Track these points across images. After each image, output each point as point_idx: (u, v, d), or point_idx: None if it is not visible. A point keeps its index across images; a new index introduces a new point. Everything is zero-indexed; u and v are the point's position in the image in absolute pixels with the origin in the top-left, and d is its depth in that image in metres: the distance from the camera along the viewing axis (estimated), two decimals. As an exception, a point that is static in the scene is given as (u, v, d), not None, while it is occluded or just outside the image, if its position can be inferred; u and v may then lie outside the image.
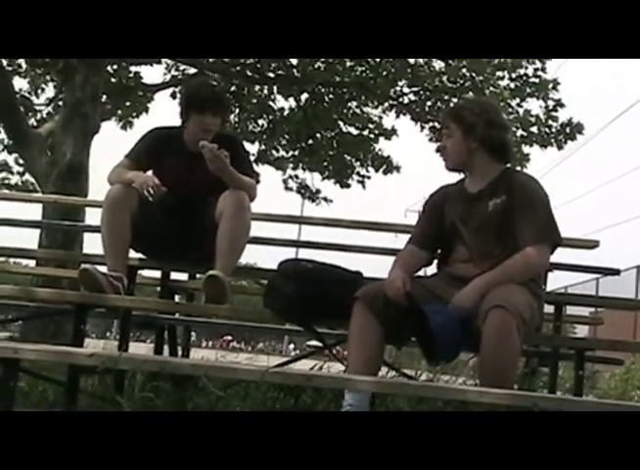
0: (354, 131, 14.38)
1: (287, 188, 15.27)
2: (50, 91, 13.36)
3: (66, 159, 9.74)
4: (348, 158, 14.36)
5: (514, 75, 13.08)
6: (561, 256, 4.21)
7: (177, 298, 5.60)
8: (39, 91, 13.37)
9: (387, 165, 14.26)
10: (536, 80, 13.00)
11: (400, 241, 4.06)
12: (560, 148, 13.23)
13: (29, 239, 9.08)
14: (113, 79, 12.74)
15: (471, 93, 12.55)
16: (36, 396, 4.58)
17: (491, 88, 12.93)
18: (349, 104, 14.13)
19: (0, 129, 12.48)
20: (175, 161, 4.44)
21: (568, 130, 13.03)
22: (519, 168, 10.36)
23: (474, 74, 13.04)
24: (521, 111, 13.17)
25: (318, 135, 14.29)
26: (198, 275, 5.21)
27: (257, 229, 4.60)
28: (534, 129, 13.12)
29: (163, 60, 13.36)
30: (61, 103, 11.55)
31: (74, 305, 4.25)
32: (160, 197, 4.23)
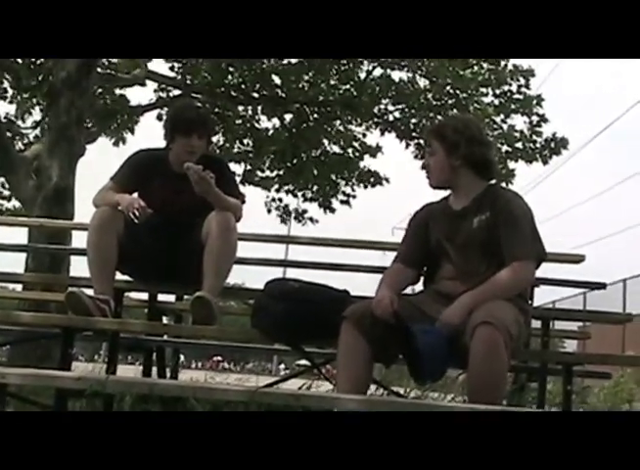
0: (339, 150, 14.41)
1: (269, 211, 15.22)
2: (37, 115, 13.36)
3: (51, 182, 9.71)
4: (333, 177, 14.37)
5: (498, 92, 13.16)
6: (547, 270, 4.24)
7: (165, 319, 5.59)
8: (26, 115, 13.35)
9: (373, 179, 14.27)
10: (520, 97, 13.08)
11: (388, 259, 4.06)
12: (545, 163, 13.30)
13: (16, 263, 9.04)
14: (98, 101, 12.74)
15: (455, 110, 12.61)
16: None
17: (475, 105, 13.01)
18: (334, 122, 14.16)
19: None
20: (161, 183, 4.44)
21: (552, 145, 13.11)
22: (503, 185, 10.40)
23: (458, 92, 13.11)
24: (505, 126, 13.25)
25: (303, 154, 14.30)
26: (185, 296, 5.20)
27: (244, 250, 4.60)
28: (519, 145, 13.19)
29: (149, 82, 13.37)
30: (46, 126, 11.54)
31: (62, 328, 4.23)
32: (146, 219, 4.22)
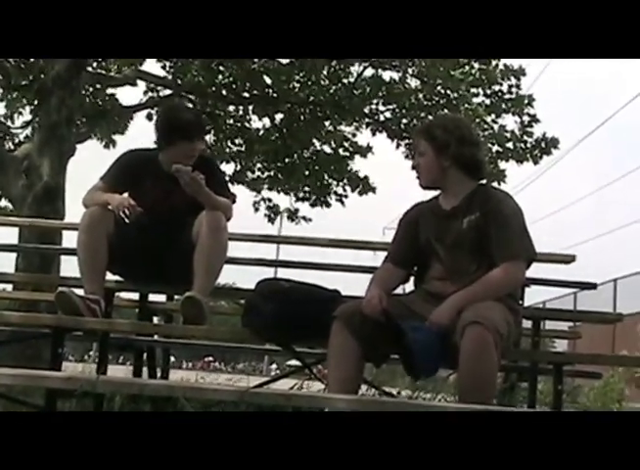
0: (330, 150, 14.41)
1: (256, 210, 15.21)
2: (27, 115, 13.33)
3: (42, 182, 9.70)
4: (325, 177, 14.37)
5: (489, 92, 13.18)
6: (538, 270, 4.24)
7: (155, 319, 5.58)
8: (15, 115, 13.32)
9: (362, 186, 14.28)
10: (512, 96, 13.10)
11: (379, 259, 4.06)
12: (535, 163, 13.34)
13: (5, 263, 9.04)
14: (88, 101, 12.72)
15: (446, 110, 12.61)
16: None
17: (466, 105, 13.02)
18: (325, 123, 14.16)
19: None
20: (151, 183, 4.44)
21: (543, 145, 13.13)
22: (493, 184, 10.41)
23: (448, 91, 13.13)
24: (496, 127, 13.27)
25: (294, 154, 14.30)
26: (176, 296, 5.19)
27: (235, 249, 4.60)
28: (510, 145, 13.22)
29: (140, 82, 13.35)
30: (36, 126, 11.52)
31: (52, 328, 4.22)
32: (137, 218, 4.22)
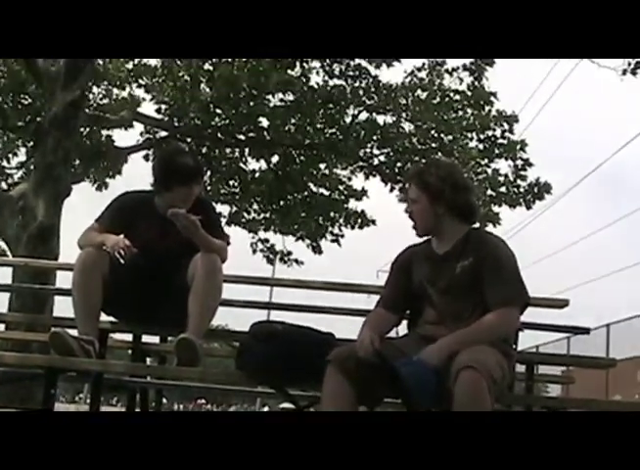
0: (325, 192, 14.47)
1: (254, 251, 15.24)
2: (22, 155, 13.39)
3: (36, 222, 9.72)
4: (320, 219, 14.42)
5: (482, 137, 13.30)
6: (531, 315, 4.25)
7: (149, 360, 5.56)
8: (10, 156, 13.38)
9: (361, 220, 14.33)
10: (504, 141, 13.22)
11: (372, 301, 4.07)
12: (528, 208, 13.42)
13: (-1, 302, 9.02)
14: (85, 142, 12.78)
15: (440, 154, 12.70)
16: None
17: (460, 149, 13.13)
18: (320, 165, 14.24)
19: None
20: (146, 225, 4.45)
21: (536, 190, 13.21)
22: (487, 228, 10.45)
23: (442, 135, 13.23)
24: (489, 170, 13.36)
25: (289, 197, 14.36)
26: (169, 338, 5.18)
27: (228, 291, 4.60)
28: (503, 189, 13.30)
29: (136, 124, 13.44)
30: (32, 166, 11.57)
31: (44, 368, 4.21)
32: (131, 260, 4.23)
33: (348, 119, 13.54)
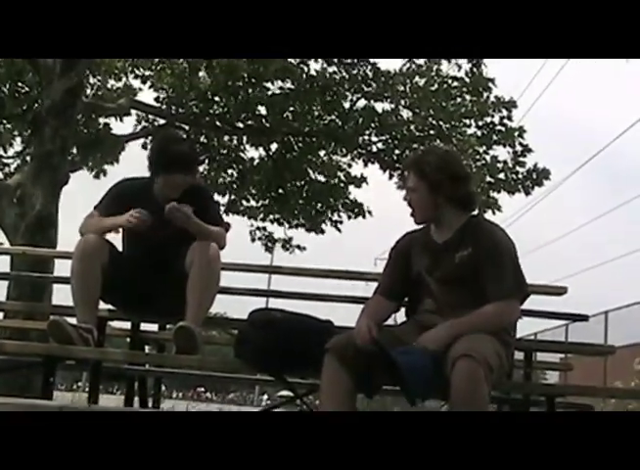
0: (324, 180, 14.45)
1: (253, 240, 15.23)
2: (17, 145, 13.36)
3: (34, 210, 9.71)
4: (319, 206, 14.40)
5: (480, 123, 13.27)
6: (530, 302, 4.25)
7: (147, 349, 5.57)
8: (7, 145, 13.34)
9: (358, 210, 14.31)
10: (502, 128, 13.19)
11: (371, 289, 4.06)
12: (527, 194, 13.39)
13: (-3, 291, 9.01)
14: (82, 130, 12.75)
15: (438, 141, 12.68)
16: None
17: (458, 136, 13.11)
18: (319, 153, 14.22)
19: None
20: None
21: (534, 176, 13.20)
22: (486, 215, 10.44)
23: (441, 123, 13.21)
24: (488, 157, 13.34)
25: (288, 184, 14.34)
26: (168, 326, 5.19)
27: (227, 279, 4.60)
28: (502, 176, 13.28)
29: (134, 111, 13.40)
30: (29, 156, 11.55)
31: (43, 357, 4.21)
32: (130, 247, 4.23)
33: (347, 107, 13.51)
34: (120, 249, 4.51)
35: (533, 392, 4.60)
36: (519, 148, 13.21)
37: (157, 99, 13.59)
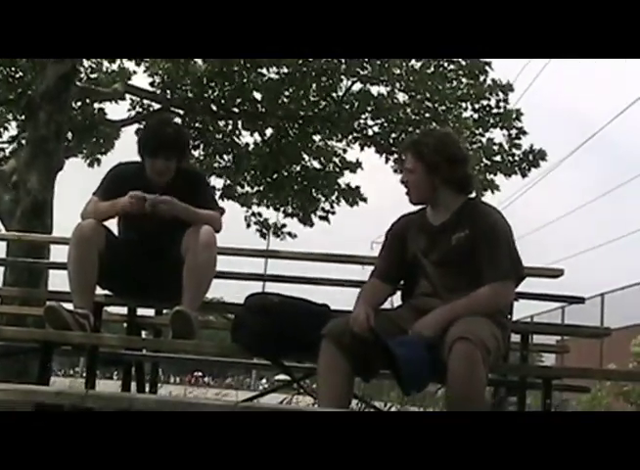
0: (319, 165, 14.43)
1: (248, 225, 15.20)
2: (12, 129, 13.30)
3: (30, 196, 9.68)
4: (314, 192, 14.37)
5: (477, 106, 13.24)
6: (526, 285, 4.25)
7: (144, 334, 5.56)
8: (2, 130, 13.29)
9: (353, 197, 14.29)
10: (499, 111, 13.17)
11: (367, 273, 4.06)
12: (524, 176, 13.39)
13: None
14: (76, 115, 12.70)
15: (434, 124, 12.65)
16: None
17: (455, 119, 13.08)
18: (314, 138, 14.18)
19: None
20: (140, 196, 4.43)
21: (531, 158, 13.19)
22: (483, 198, 10.43)
23: (437, 106, 13.18)
24: (484, 140, 13.32)
25: (283, 170, 14.31)
26: (165, 311, 5.19)
27: (223, 264, 4.60)
28: (498, 158, 13.27)
29: (128, 96, 13.35)
30: (24, 140, 11.50)
31: (40, 342, 4.21)
32: (127, 232, 4.23)
33: (342, 91, 13.48)
34: (117, 234, 4.50)
35: (530, 374, 4.61)
36: (514, 131, 13.19)
37: (151, 84, 13.53)
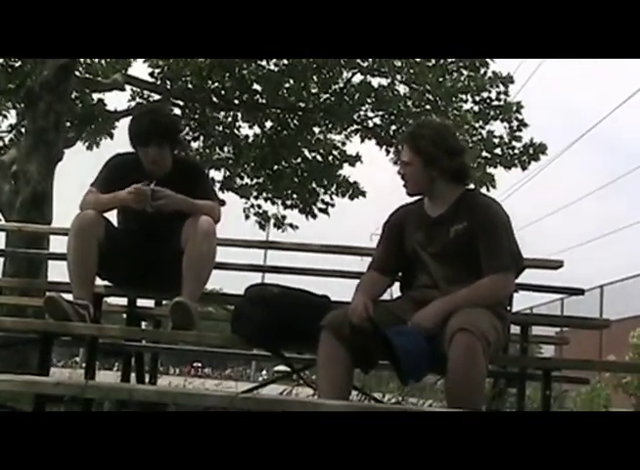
0: (319, 157, 14.40)
1: (247, 217, 15.18)
2: (12, 118, 13.28)
3: (29, 187, 9.67)
4: (313, 185, 14.36)
5: (477, 98, 13.22)
6: (526, 276, 4.25)
7: (144, 325, 5.56)
8: (1, 118, 13.27)
9: (352, 191, 14.28)
10: (500, 103, 13.15)
11: (366, 264, 4.05)
12: (524, 169, 13.39)
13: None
14: (76, 105, 12.68)
15: (434, 116, 12.63)
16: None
17: (455, 111, 13.07)
18: (314, 130, 14.16)
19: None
20: (139, 187, 4.42)
21: (531, 151, 13.17)
22: (482, 190, 10.42)
23: (437, 98, 13.16)
24: (484, 132, 13.31)
25: (283, 162, 14.29)
26: (164, 302, 5.18)
27: (223, 255, 4.59)
28: (498, 151, 13.25)
29: (128, 87, 13.33)
30: (23, 130, 11.48)
31: (40, 333, 4.21)
32: (126, 222, 4.22)
33: (342, 83, 13.45)
34: (116, 225, 4.50)
35: (530, 365, 4.61)
36: (515, 123, 13.18)
37: (151, 74, 13.50)
